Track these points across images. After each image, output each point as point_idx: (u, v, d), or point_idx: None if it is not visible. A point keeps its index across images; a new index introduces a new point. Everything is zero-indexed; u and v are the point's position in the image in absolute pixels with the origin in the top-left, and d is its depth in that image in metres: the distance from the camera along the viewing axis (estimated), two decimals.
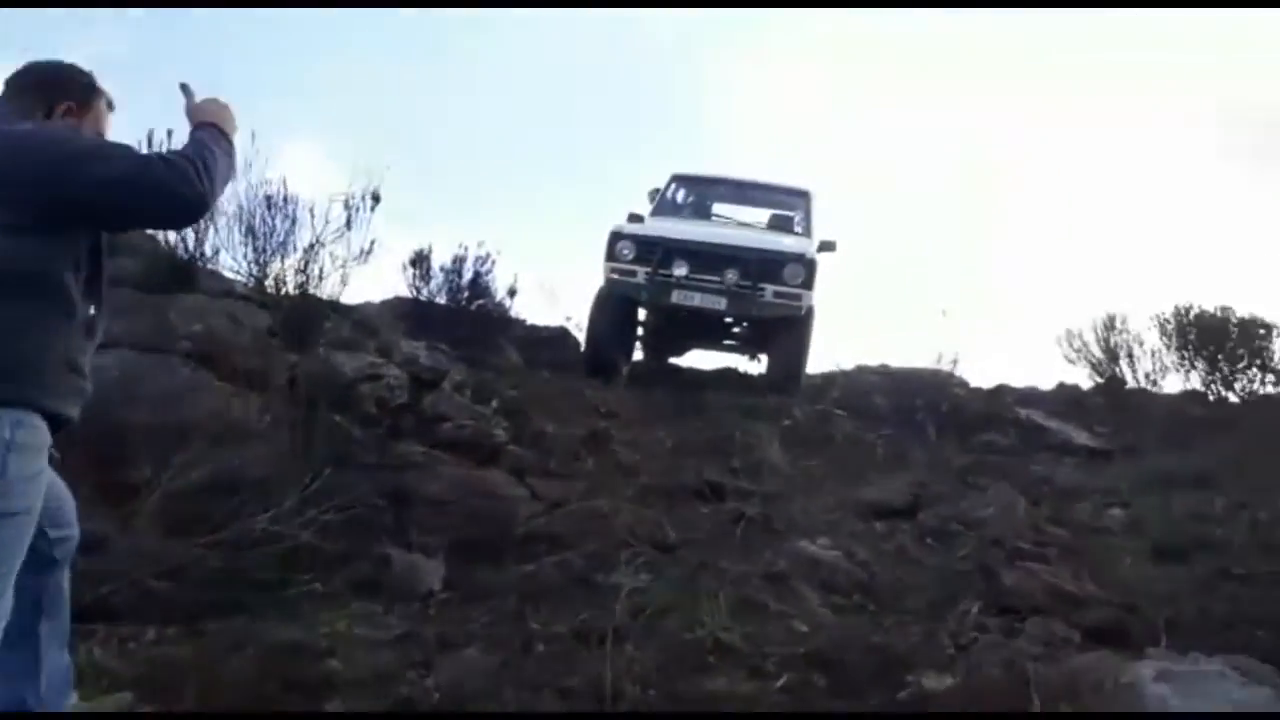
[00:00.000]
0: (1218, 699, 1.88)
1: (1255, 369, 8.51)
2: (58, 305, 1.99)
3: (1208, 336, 8.70)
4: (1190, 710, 1.84)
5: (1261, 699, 1.88)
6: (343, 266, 5.90)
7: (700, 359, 10.21)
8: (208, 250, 6.02)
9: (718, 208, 9.86)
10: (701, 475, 5.62)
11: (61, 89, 2.19)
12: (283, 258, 6.21)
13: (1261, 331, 8.50)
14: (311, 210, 6.06)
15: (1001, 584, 3.60)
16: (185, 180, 1.97)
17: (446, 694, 2.77)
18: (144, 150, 2.25)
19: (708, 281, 7.76)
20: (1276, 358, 8.53)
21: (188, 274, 5.59)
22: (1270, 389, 8.86)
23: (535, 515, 4.83)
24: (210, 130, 2.13)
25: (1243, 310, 8.86)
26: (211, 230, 6.13)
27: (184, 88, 2.26)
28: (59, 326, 2.00)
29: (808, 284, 7.78)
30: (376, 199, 5.89)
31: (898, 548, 4.52)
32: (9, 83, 2.20)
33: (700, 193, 9.79)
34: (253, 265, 6.02)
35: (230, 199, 6.32)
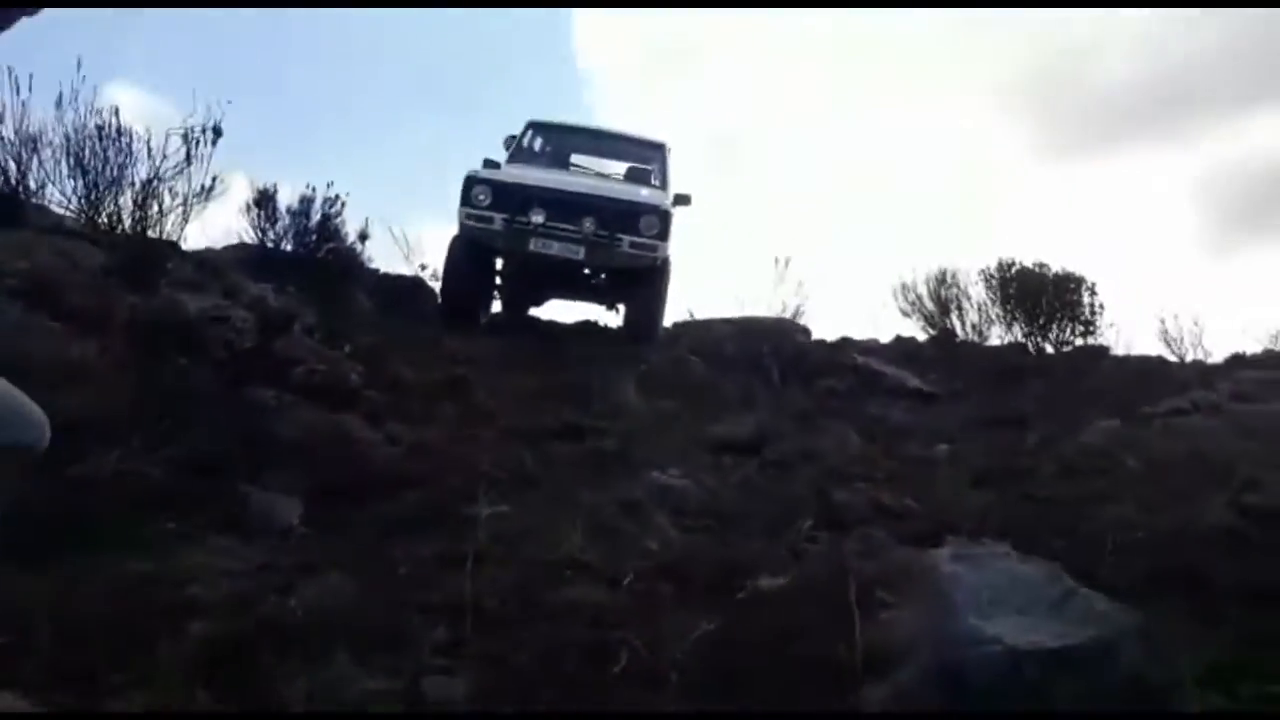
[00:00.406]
0: (1000, 573, 2.18)
1: (1067, 320, 9.33)
2: None
3: (1026, 291, 9.47)
4: (976, 579, 2.13)
5: (1034, 572, 2.20)
6: (184, 204, 5.67)
7: (559, 311, 10.30)
8: (32, 183, 5.65)
9: (575, 158, 9.87)
10: (560, 417, 5.77)
11: None
12: (118, 193, 5.91)
13: (1072, 286, 9.31)
14: (148, 144, 5.79)
15: (833, 503, 3.93)
16: None
17: (309, 613, 2.82)
18: None
19: (566, 230, 7.80)
20: (1085, 310, 9.35)
21: (11, 207, 5.26)
22: (1080, 340, 9.76)
23: (393, 456, 4.86)
24: None
25: (1057, 266, 9.69)
26: (35, 161, 5.77)
27: None
28: None
29: (663, 235, 7.94)
30: (218, 133, 5.69)
31: (743, 477, 4.81)
32: None
33: (557, 142, 9.77)
34: (84, 200, 5.71)
35: (55, 127, 5.96)
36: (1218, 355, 9.67)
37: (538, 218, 7.77)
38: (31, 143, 5.65)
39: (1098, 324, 9.57)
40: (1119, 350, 10.05)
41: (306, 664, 2.60)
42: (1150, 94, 32.03)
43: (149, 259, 5.38)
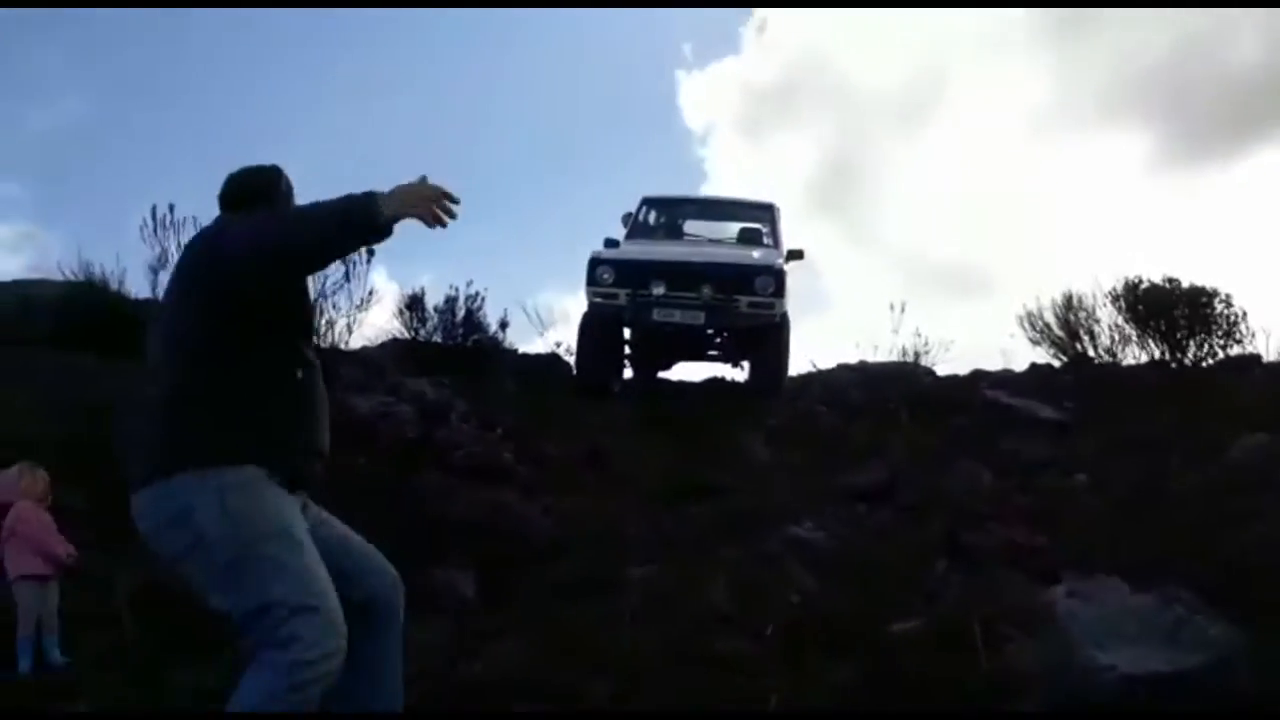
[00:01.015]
0: (1111, 604, 2.38)
1: (1203, 334, 9.06)
2: None
3: (1158, 308, 9.25)
4: (1091, 613, 2.35)
5: (1148, 602, 2.39)
6: (347, 316, 6.38)
7: (687, 371, 10.66)
8: None
9: (689, 225, 10.31)
10: (696, 478, 6.10)
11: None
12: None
13: (1205, 299, 9.05)
14: None
15: (963, 545, 4.11)
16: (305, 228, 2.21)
17: (491, 674, 3.24)
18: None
19: (685, 298, 8.20)
20: (1223, 322, 9.07)
21: None
22: (1224, 351, 9.42)
23: (548, 527, 5.29)
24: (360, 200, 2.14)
25: (1188, 279, 9.43)
26: None
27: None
28: None
29: (779, 293, 8.24)
30: (371, 253, 6.39)
31: (876, 524, 5.01)
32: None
33: (670, 213, 10.25)
34: None
35: None
36: None
37: (658, 289, 8.21)
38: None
39: (1240, 333, 9.24)
40: (1271, 357, 9.66)
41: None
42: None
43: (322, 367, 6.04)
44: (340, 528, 2.40)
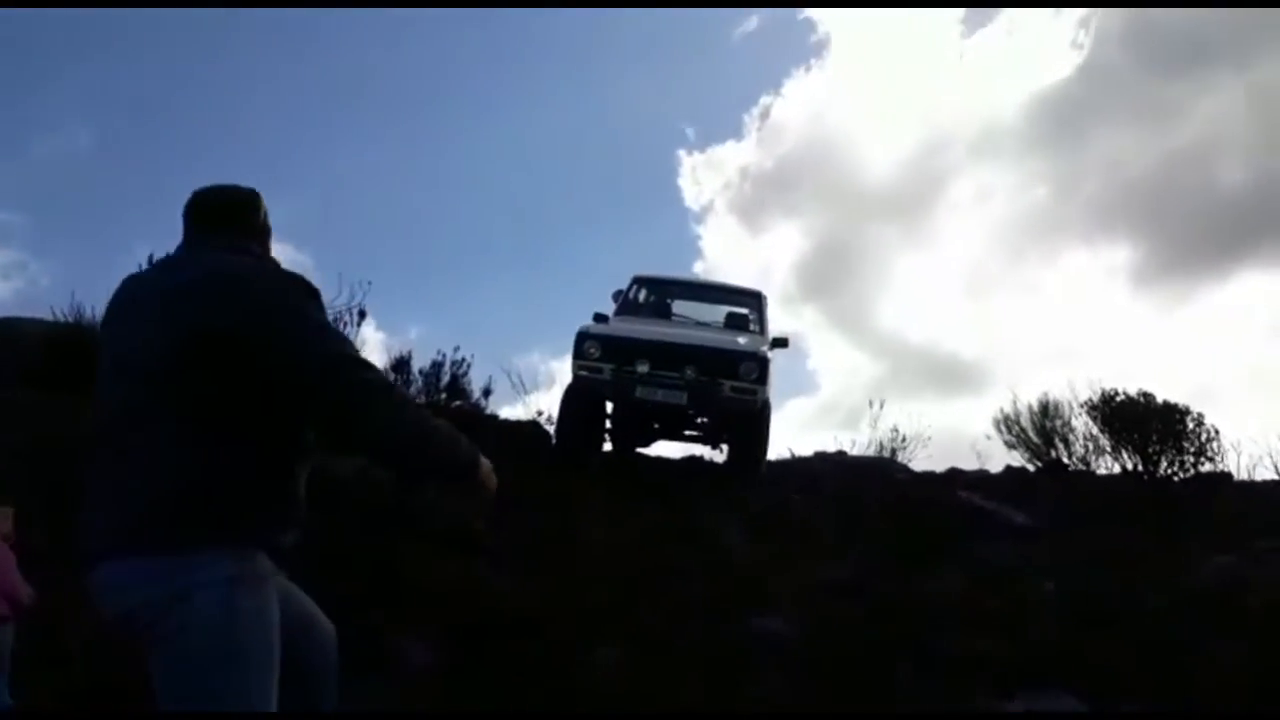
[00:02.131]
0: None
1: (1175, 450, 9.20)
2: None
3: (1132, 421, 9.41)
4: None
5: None
6: None
7: (667, 449, 10.69)
8: None
9: (677, 306, 10.42)
10: (669, 560, 6.10)
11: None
12: None
13: (1178, 416, 9.22)
14: None
15: (929, 649, 4.13)
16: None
17: None
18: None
19: (669, 377, 8.26)
20: (1194, 440, 9.22)
21: None
22: (1197, 468, 9.56)
23: (514, 602, 5.27)
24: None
25: (1162, 396, 9.62)
26: None
27: None
28: None
29: (761, 379, 8.29)
30: (363, 314, 6.47)
31: (844, 621, 5.01)
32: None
33: (660, 293, 10.37)
34: None
35: None
36: None
37: (643, 367, 8.27)
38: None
39: (1212, 451, 9.39)
40: (1242, 476, 9.79)
41: None
42: (1266, 202, 31.35)
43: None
44: (302, 602, 2.22)
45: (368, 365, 2.00)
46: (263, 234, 2.25)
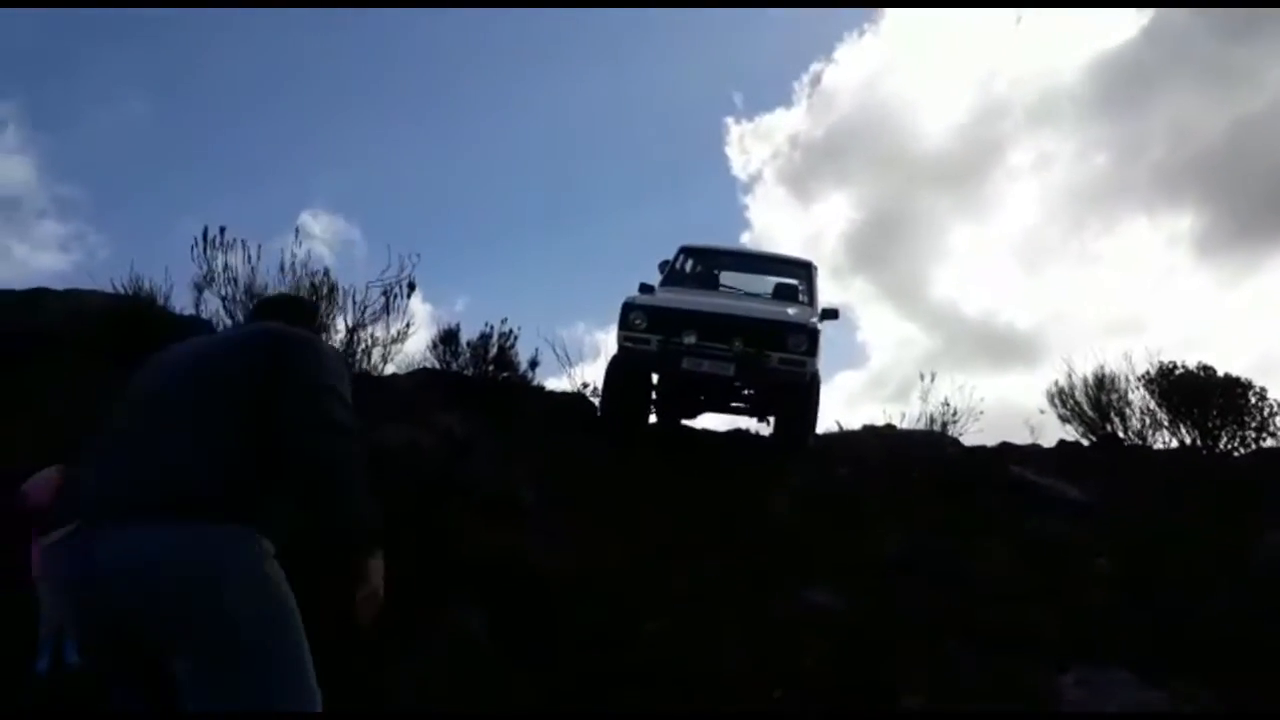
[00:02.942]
0: (1119, 698, 2.38)
1: (1235, 425, 8.97)
2: None
3: (1191, 396, 9.18)
4: (1097, 706, 2.34)
5: (1155, 699, 2.39)
6: (384, 347, 6.52)
7: (713, 421, 10.67)
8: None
9: (724, 277, 10.31)
10: (716, 533, 6.11)
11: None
12: (326, 337, 6.87)
13: (1240, 390, 8.98)
14: (353, 297, 6.72)
15: (978, 623, 4.09)
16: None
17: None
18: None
19: (716, 349, 8.16)
20: (1257, 415, 8.98)
21: None
22: (1254, 445, 9.32)
23: (565, 574, 5.32)
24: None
25: (1223, 369, 9.37)
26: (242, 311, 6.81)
27: None
28: None
29: (811, 351, 8.15)
30: (412, 287, 6.54)
31: (893, 595, 4.99)
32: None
33: (708, 264, 10.26)
34: None
35: (276, 283, 7.04)
36: None
37: (690, 338, 8.17)
38: (253, 299, 6.71)
39: (1275, 426, 9.13)
40: None
41: None
42: None
43: (354, 395, 6.16)
44: None
45: (348, 407, 2.14)
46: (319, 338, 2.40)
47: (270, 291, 6.90)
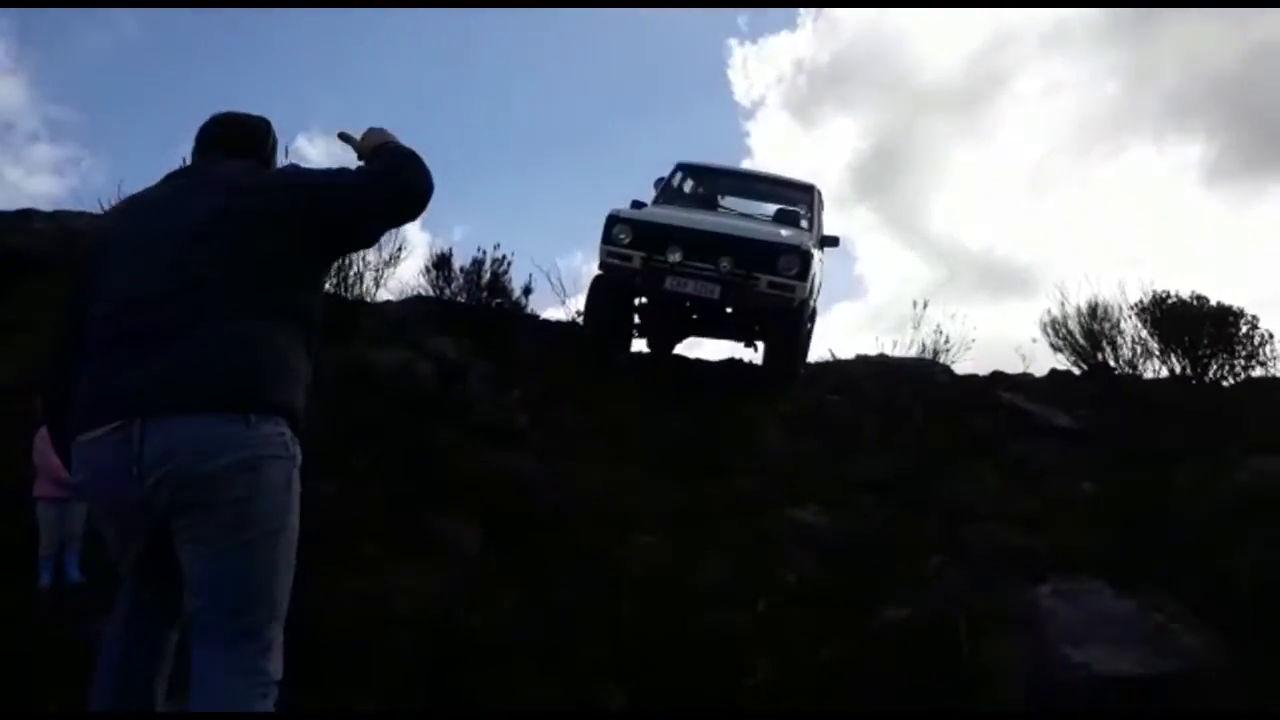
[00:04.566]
0: (1092, 606, 2.45)
1: (1225, 354, 9.02)
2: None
3: (1182, 325, 9.20)
4: (1071, 613, 2.42)
5: (1127, 608, 2.46)
6: (376, 271, 6.49)
7: (706, 349, 10.61)
8: None
9: (724, 200, 9.84)
10: (706, 456, 6.19)
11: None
12: None
13: (1231, 319, 9.00)
14: None
15: (961, 541, 4.18)
16: (424, 170, 2.19)
17: (492, 631, 3.35)
18: None
19: (701, 269, 7.73)
20: (1246, 344, 9.02)
21: None
22: (1243, 374, 9.38)
23: (557, 492, 5.40)
24: (390, 144, 2.26)
25: (1215, 298, 9.37)
26: None
27: (343, 136, 2.41)
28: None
29: (802, 275, 7.80)
30: None
31: (879, 515, 5.09)
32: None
33: (707, 184, 9.78)
34: None
35: None
36: None
37: (674, 256, 7.74)
38: None
39: (1265, 355, 9.17)
40: None
41: (493, 675, 3.13)
42: None
43: (346, 318, 6.18)
44: None
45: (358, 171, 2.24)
46: (272, 157, 2.42)
47: None
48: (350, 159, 2.35)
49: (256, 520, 1.94)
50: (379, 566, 4.10)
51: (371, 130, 2.34)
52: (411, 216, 2.28)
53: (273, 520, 1.97)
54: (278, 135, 2.44)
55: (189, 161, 2.39)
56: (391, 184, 2.16)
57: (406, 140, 2.27)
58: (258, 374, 1.99)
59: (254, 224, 2.08)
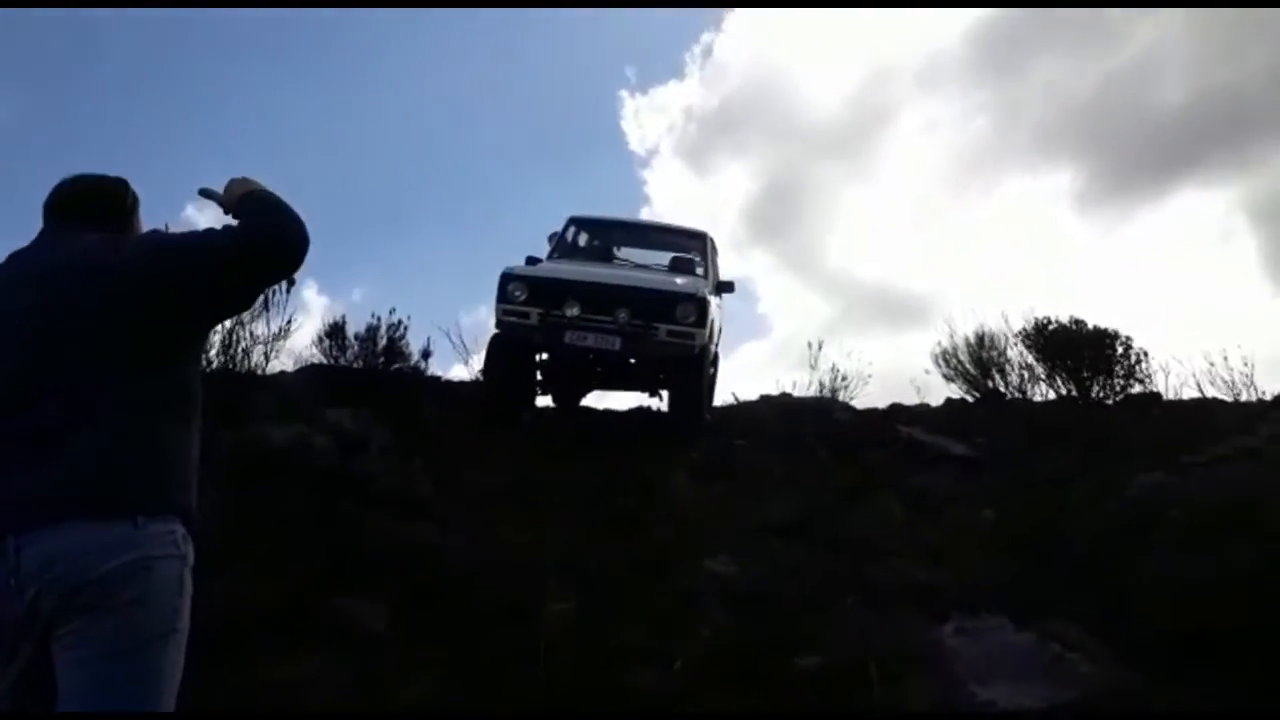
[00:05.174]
0: (993, 642, 2.51)
1: (1105, 375, 9.49)
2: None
3: (1064, 348, 9.66)
4: (975, 650, 2.47)
5: (1026, 641, 2.53)
6: (265, 345, 6.29)
7: (614, 400, 10.59)
8: None
9: (619, 251, 9.93)
10: (616, 510, 6.15)
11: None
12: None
13: (1108, 340, 9.50)
14: None
15: (869, 580, 4.25)
16: (294, 217, 2.07)
17: (409, 712, 3.23)
18: None
19: (600, 321, 7.76)
20: (1123, 364, 9.52)
21: None
22: (1122, 393, 9.88)
23: (465, 560, 5.28)
24: (255, 192, 2.15)
25: (1093, 321, 9.89)
26: None
27: (204, 193, 2.29)
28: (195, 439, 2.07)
29: (700, 322, 7.87)
30: (292, 282, 6.32)
31: (789, 559, 5.13)
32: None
33: (600, 236, 9.89)
34: None
35: None
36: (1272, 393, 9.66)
37: (572, 310, 7.75)
38: None
39: (1141, 373, 9.69)
40: (1171, 396, 10.13)
41: None
42: (1203, 120, 32.14)
43: (237, 395, 5.97)
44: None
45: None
46: (132, 216, 2.26)
47: None
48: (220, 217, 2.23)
49: (149, 623, 1.87)
50: (285, 658, 3.92)
51: (234, 180, 2.21)
52: (287, 270, 2.16)
53: (165, 624, 1.90)
54: (138, 195, 2.29)
55: (40, 232, 2.20)
56: (258, 238, 2.03)
57: (283, 189, 2.14)
58: (140, 475, 1.91)
59: (120, 306, 1.98)
